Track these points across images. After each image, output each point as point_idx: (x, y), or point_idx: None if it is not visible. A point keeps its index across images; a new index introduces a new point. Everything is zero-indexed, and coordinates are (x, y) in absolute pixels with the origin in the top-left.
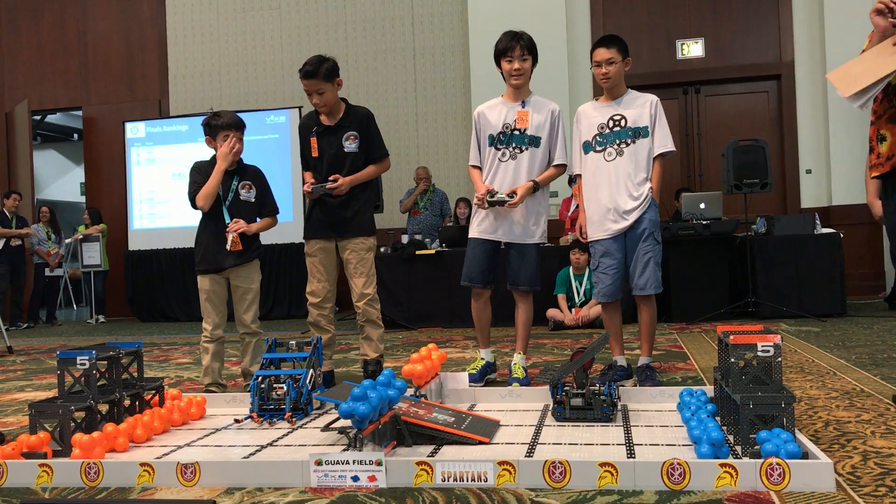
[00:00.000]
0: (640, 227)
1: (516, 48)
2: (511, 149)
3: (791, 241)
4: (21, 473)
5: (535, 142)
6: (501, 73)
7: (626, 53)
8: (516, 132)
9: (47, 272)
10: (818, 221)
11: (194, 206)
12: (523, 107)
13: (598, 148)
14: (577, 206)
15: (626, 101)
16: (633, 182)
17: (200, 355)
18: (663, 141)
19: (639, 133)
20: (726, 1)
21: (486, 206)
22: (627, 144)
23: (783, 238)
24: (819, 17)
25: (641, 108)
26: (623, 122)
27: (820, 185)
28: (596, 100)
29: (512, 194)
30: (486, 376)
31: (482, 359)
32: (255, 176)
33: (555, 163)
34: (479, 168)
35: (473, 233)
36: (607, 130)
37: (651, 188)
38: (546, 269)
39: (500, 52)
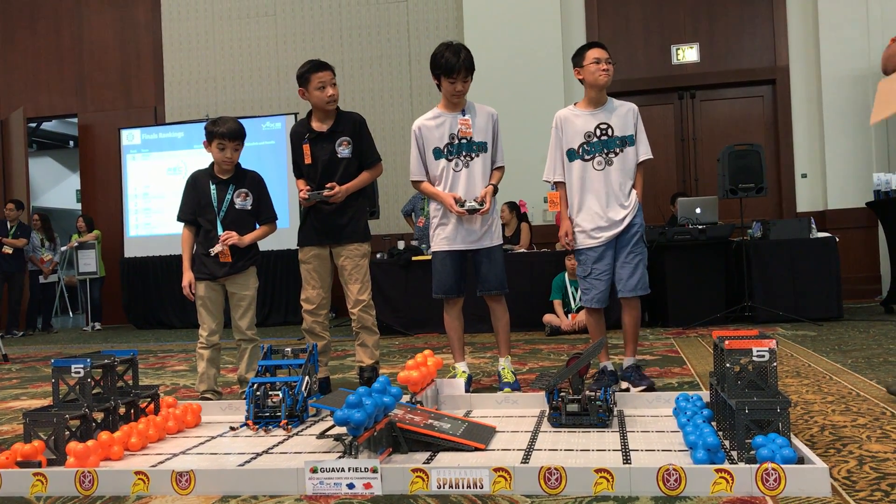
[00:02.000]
0: (630, 231)
1: (461, 71)
2: (462, 157)
3: (787, 245)
4: (15, 482)
5: (483, 147)
6: (438, 85)
7: None
8: (463, 141)
9: (41, 279)
10: (814, 225)
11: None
12: (464, 115)
13: (587, 157)
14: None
15: (609, 109)
16: (623, 192)
17: (196, 362)
18: (646, 149)
19: (626, 142)
20: (721, 6)
21: (467, 213)
22: (616, 154)
23: (779, 242)
24: (813, 21)
25: (625, 116)
26: (610, 132)
27: (815, 189)
28: (574, 105)
29: (481, 201)
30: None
31: (464, 372)
32: (252, 183)
33: (497, 165)
34: (424, 182)
35: (438, 245)
36: (594, 139)
37: (635, 194)
38: (542, 274)
39: (444, 71)
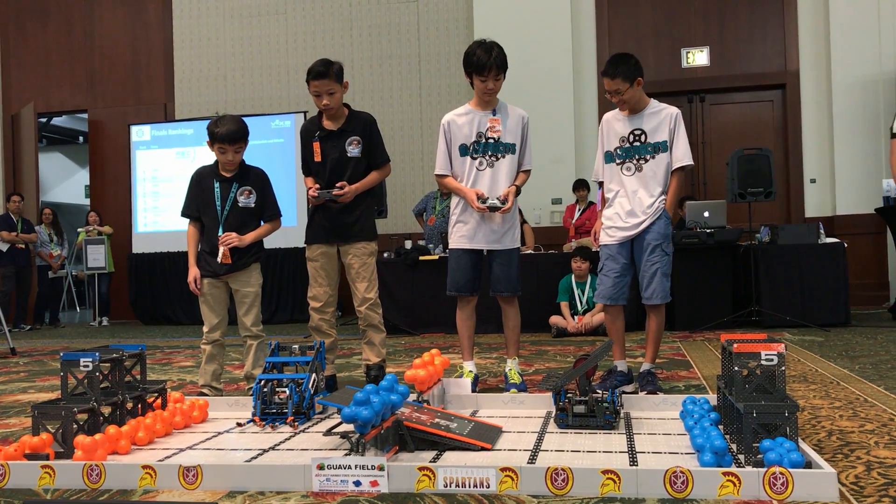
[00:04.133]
0: (647, 239)
1: (493, 69)
2: (488, 157)
3: (795, 250)
4: (23, 475)
5: (510, 149)
6: (471, 83)
7: (633, 76)
8: (490, 140)
9: (51, 275)
10: (822, 231)
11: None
12: (494, 115)
13: (618, 160)
14: (582, 211)
15: (647, 115)
16: (648, 199)
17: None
18: (682, 155)
19: (658, 148)
20: (732, 10)
21: (488, 210)
22: (646, 160)
23: (787, 247)
24: (824, 26)
25: (661, 122)
26: (643, 138)
27: (824, 194)
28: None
29: (503, 200)
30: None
31: (470, 371)
32: (256, 180)
33: (524, 168)
34: (448, 176)
35: (456, 243)
36: (627, 144)
37: (664, 200)
38: (548, 276)
39: (475, 69)
